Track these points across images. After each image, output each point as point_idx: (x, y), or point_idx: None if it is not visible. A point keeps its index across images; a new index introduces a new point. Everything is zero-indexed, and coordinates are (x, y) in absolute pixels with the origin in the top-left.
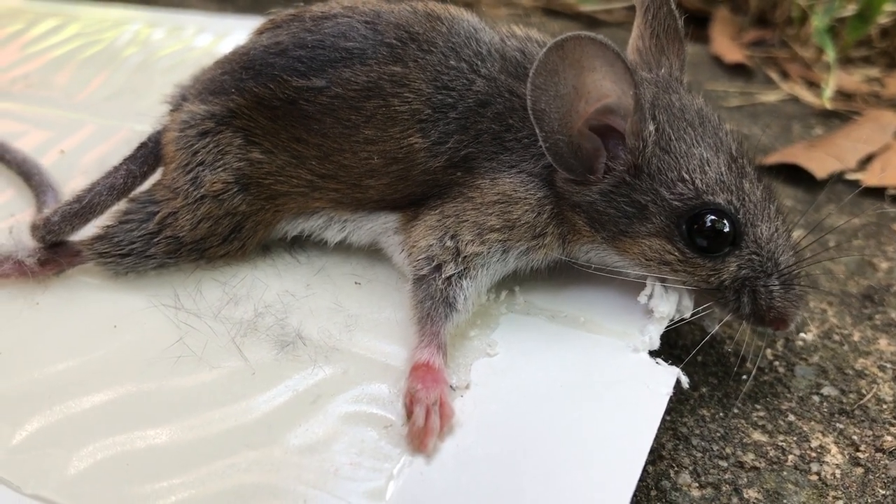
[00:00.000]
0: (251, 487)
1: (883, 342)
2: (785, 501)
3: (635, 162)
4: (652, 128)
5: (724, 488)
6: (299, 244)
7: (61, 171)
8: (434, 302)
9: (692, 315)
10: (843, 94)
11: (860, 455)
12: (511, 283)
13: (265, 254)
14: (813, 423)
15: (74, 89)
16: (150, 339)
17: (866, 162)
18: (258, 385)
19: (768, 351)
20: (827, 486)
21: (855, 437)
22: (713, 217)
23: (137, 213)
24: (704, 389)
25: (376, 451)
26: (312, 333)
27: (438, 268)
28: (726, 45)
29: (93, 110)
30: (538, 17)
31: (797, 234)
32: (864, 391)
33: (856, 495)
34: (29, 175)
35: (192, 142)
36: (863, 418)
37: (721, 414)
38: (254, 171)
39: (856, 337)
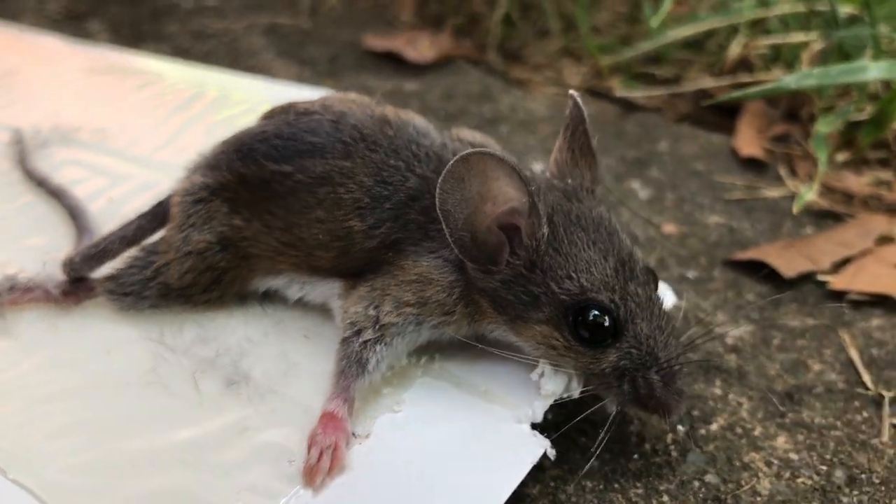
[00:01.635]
0: (178, 493)
1: (780, 440)
2: None
3: (530, 258)
4: (545, 230)
5: None
6: (269, 298)
7: (105, 217)
8: (349, 361)
9: (582, 395)
10: (845, 196)
11: None
12: (433, 350)
13: (241, 303)
14: None
15: (136, 141)
16: (132, 366)
17: (842, 265)
18: (202, 413)
19: (669, 436)
20: None
21: None
22: (595, 312)
23: (140, 261)
24: (596, 463)
25: (280, 478)
26: (257, 376)
27: (359, 332)
28: (748, 137)
29: (143, 163)
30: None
31: (748, 329)
32: (743, 482)
33: None
34: (75, 217)
35: (188, 207)
36: None
37: (601, 487)
38: (234, 235)
39: (757, 431)
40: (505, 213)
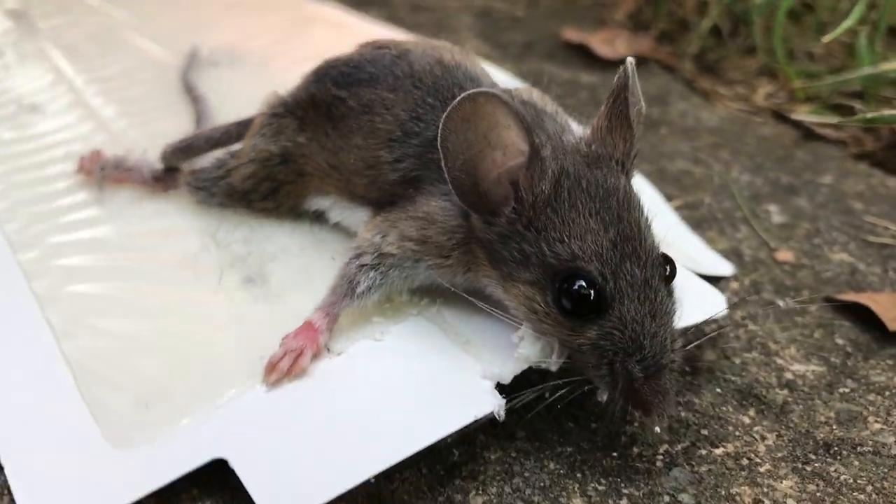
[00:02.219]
0: (169, 369)
1: (786, 483)
2: None
3: (527, 214)
4: (546, 188)
5: None
6: (319, 221)
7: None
8: (343, 280)
9: (564, 373)
10: None
11: None
12: (437, 295)
13: (294, 219)
14: None
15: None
16: (181, 251)
17: None
18: (214, 300)
19: (664, 447)
20: None
21: None
22: (581, 283)
23: (218, 161)
24: (570, 449)
25: (249, 371)
26: (274, 281)
27: (359, 256)
28: None
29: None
30: (766, 118)
31: (816, 369)
32: None
33: None
34: (198, 121)
35: (266, 119)
36: None
37: (562, 471)
38: (295, 151)
39: (764, 468)
40: (515, 166)
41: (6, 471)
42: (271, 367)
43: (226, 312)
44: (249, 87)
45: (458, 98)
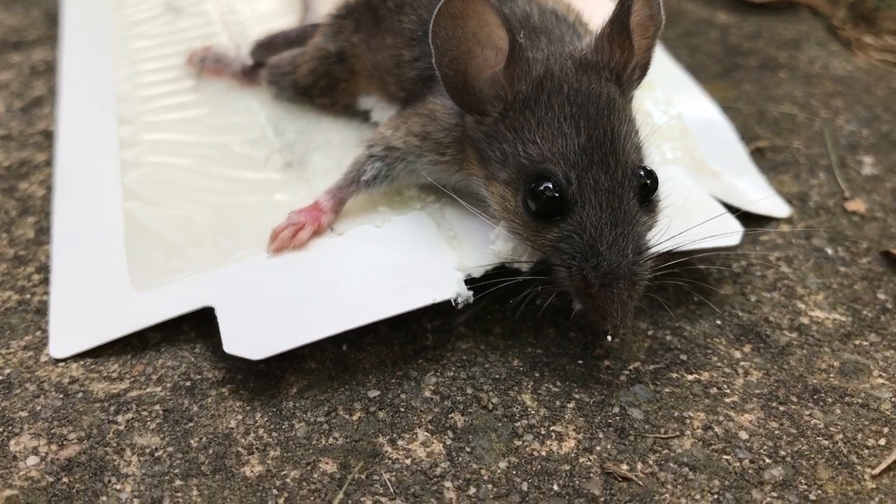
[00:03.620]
0: (222, 223)
1: (747, 416)
2: (477, 439)
3: (506, 111)
4: (526, 88)
5: (446, 404)
6: (369, 122)
7: None
8: (353, 168)
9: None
10: None
11: (582, 438)
12: (444, 196)
13: (349, 116)
14: (581, 420)
15: None
16: (244, 132)
17: None
18: (258, 175)
19: (636, 365)
20: (518, 451)
21: (601, 448)
22: (547, 185)
23: (289, 58)
24: (540, 351)
25: (262, 238)
26: (310, 166)
27: (370, 146)
28: None
29: None
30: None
31: (838, 318)
32: (662, 431)
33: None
34: (304, 16)
35: (330, 20)
36: (629, 444)
37: (523, 369)
38: (349, 50)
39: (731, 399)
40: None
41: (50, 288)
42: (274, 235)
43: (262, 189)
44: None
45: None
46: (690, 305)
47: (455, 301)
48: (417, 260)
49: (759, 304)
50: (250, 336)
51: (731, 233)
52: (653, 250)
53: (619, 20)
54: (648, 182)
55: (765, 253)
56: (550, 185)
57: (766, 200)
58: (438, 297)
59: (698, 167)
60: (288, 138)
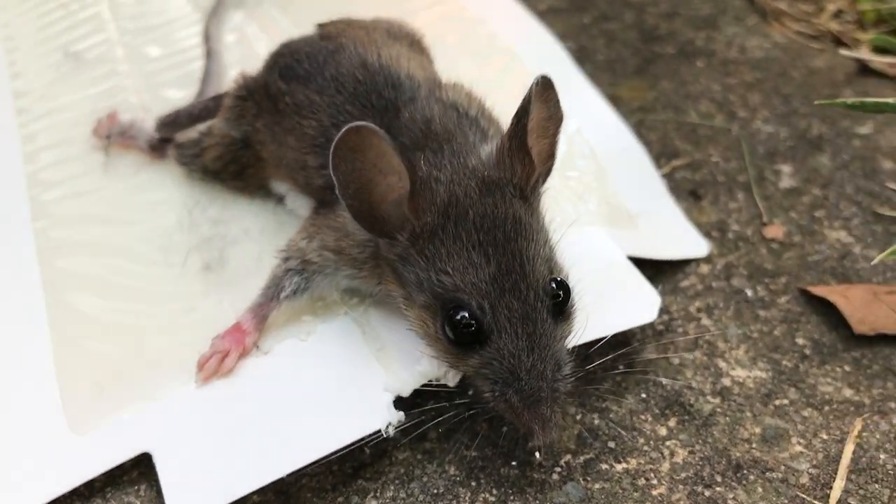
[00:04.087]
0: (125, 347)
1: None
2: None
3: (415, 240)
4: (432, 219)
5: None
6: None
7: None
8: (271, 283)
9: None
10: None
11: None
12: (366, 295)
13: (264, 196)
14: None
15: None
16: (159, 226)
17: None
18: (177, 285)
19: (567, 457)
20: None
21: None
22: (464, 314)
23: (195, 139)
24: (475, 454)
25: (189, 368)
26: (230, 267)
27: (286, 259)
28: None
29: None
30: (824, 47)
31: (760, 376)
32: None
33: None
34: (205, 81)
35: (232, 101)
36: None
37: (460, 478)
38: (253, 137)
39: (658, 492)
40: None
41: None
42: (200, 365)
43: (184, 298)
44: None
45: (344, 130)
46: (617, 377)
47: (385, 430)
48: (345, 380)
49: (682, 368)
50: (192, 487)
51: (649, 307)
52: (570, 364)
53: (517, 137)
54: (561, 295)
55: (686, 303)
56: (466, 315)
57: (685, 244)
58: (369, 428)
59: (614, 217)
60: (203, 231)
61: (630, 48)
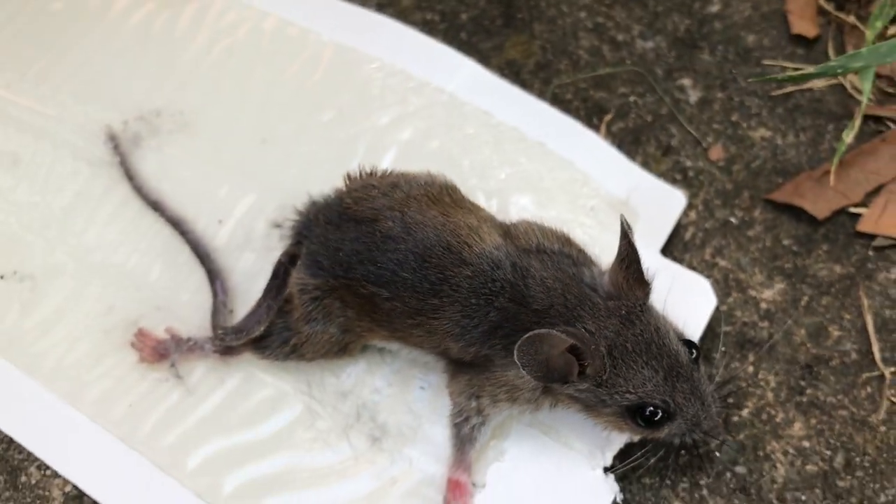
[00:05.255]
0: None
1: (797, 426)
2: None
3: (597, 383)
4: (608, 363)
5: None
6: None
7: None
8: (463, 440)
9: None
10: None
11: None
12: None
13: (363, 351)
14: (718, 497)
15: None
16: (296, 421)
17: (875, 192)
18: (359, 467)
19: None
20: None
21: None
22: (651, 410)
23: (279, 336)
24: (652, 460)
25: None
26: (392, 430)
27: (467, 419)
28: (802, 6)
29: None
30: None
31: (780, 287)
32: (764, 472)
33: None
34: (202, 260)
35: (308, 303)
36: (755, 497)
37: (657, 483)
38: (349, 323)
39: (779, 418)
40: (570, 346)
41: None
42: None
43: (375, 476)
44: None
45: (523, 339)
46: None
47: (617, 499)
48: (556, 476)
49: (731, 312)
50: None
51: (705, 293)
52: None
53: (633, 265)
54: (695, 352)
55: (700, 255)
56: (654, 409)
57: (671, 203)
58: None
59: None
60: (341, 408)
61: None
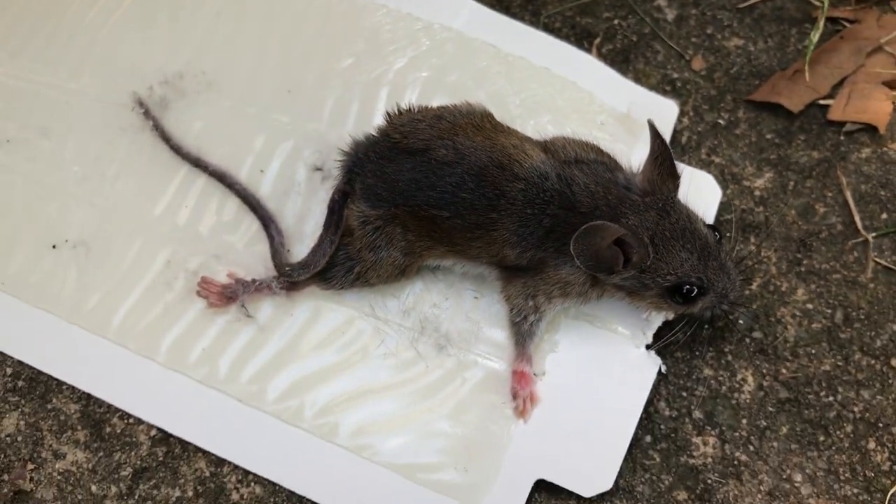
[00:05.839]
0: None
1: (800, 292)
2: (715, 419)
3: (637, 269)
4: (652, 252)
5: (682, 411)
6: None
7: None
8: (523, 335)
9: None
10: None
11: (764, 383)
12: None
13: (419, 272)
14: (741, 360)
15: None
16: (367, 341)
17: (840, 84)
18: (429, 370)
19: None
20: (740, 407)
21: (764, 371)
22: (688, 287)
23: (343, 266)
24: (684, 337)
25: (497, 414)
26: (455, 337)
27: (525, 317)
28: None
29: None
30: None
31: (769, 176)
32: (777, 334)
33: (755, 412)
34: (252, 208)
35: (370, 233)
36: (772, 356)
37: (688, 356)
38: (410, 246)
39: (784, 287)
40: (616, 239)
41: None
42: (521, 412)
43: (446, 374)
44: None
45: (579, 232)
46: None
47: (661, 369)
48: (606, 359)
49: (731, 201)
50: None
51: (712, 188)
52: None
53: (669, 167)
54: (717, 233)
55: (698, 156)
56: (690, 287)
57: (664, 112)
58: (652, 375)
59: (631, 127)
60: (404, 324)
61: None
